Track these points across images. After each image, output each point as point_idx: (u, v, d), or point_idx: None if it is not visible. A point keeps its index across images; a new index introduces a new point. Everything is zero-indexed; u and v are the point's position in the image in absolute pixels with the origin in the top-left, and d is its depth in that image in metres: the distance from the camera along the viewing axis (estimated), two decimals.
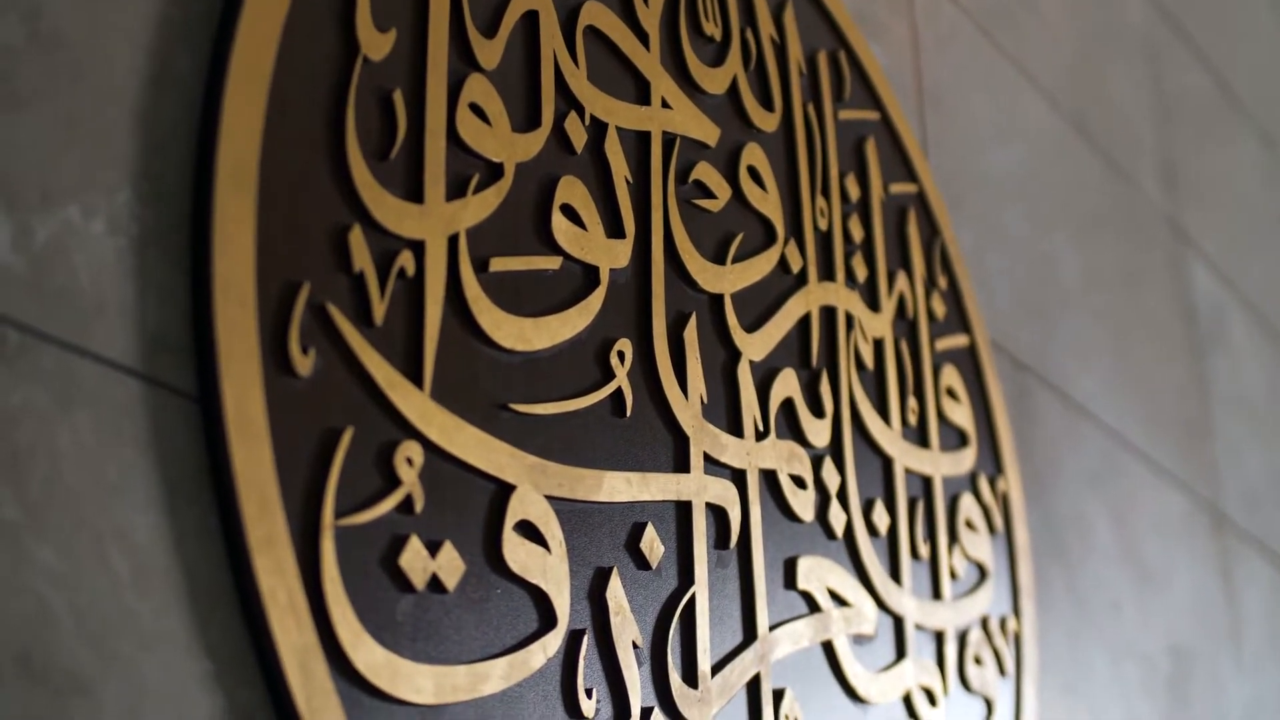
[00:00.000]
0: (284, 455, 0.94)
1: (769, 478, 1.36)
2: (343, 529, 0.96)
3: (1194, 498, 2.31)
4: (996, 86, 2.07)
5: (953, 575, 1.60)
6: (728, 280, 1.37)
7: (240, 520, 0.91)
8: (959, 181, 1.88)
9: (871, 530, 1.49)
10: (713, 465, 1.29)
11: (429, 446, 1.03)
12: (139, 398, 0.90)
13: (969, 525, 1.65)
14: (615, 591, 1.15)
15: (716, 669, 1.24)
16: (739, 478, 1.32)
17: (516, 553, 1.08)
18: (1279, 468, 2.67)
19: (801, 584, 1.36)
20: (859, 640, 1.43)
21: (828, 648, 1.38)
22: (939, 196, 1.76)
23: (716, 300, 1.35)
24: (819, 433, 1.44)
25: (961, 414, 1.69)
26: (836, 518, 1.43)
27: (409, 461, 1.01)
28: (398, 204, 1.05)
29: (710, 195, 1.38)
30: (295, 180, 1.00)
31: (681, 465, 1.26)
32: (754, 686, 1.27)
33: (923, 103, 1.84)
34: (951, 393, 1.68)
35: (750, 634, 1.29)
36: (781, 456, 1.37)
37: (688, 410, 1.27)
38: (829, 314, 1.50)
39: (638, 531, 1.19)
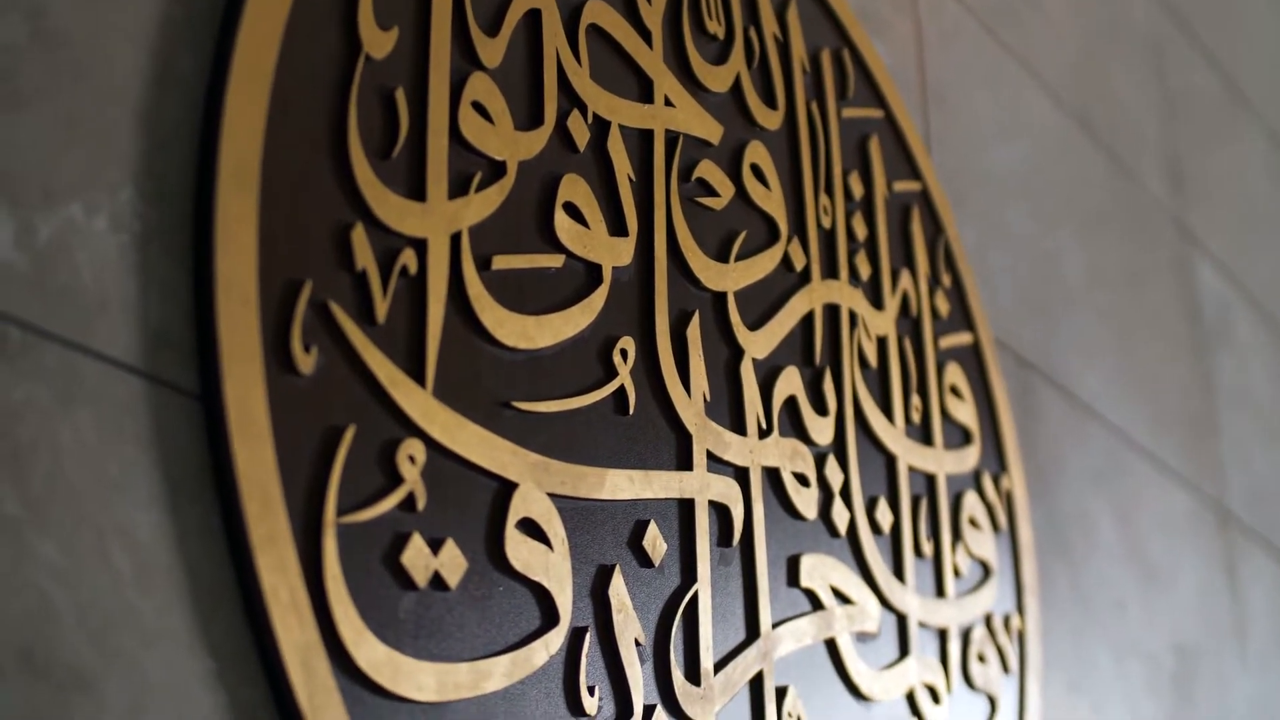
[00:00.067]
0: (286, 453, 0.94)
1: (772, 475, 1.36)
2: (345, 527, 0.96)
3: (1199, 495, 2.31)
4: (1000, 84, 2.07)
5: (956, 573, 1.60)
6: (731, 278, 1.37)
7: (242, 518, 0.91)
8: (963, 179, 1.88)
9: (875, 528, 1.49)
10: (716, 463, 1.29)
11: (431, 444, 1.03)
12: (141, 395, 0.90)
13: (972, 523, 1.65)
14: (618, 589, 1.15)
15: (719, 666, 1.24)
16: (742, 475, 1.32)
17: (519, 550, 1.08)
18: None
19: (804, 582, 1.36)
20: (862, 638, 1.43)
21: (831, 645, 1.39)
22: (942, 194, 1.76)
23: (719, 298, 1.35)
24: (822, 430, 1.44)
25: (965, 412, 1.69)
26: (840, 515, 1.43)
27: (411, 459, 1.01)
28: (400, 202, 1.06)
29: (713, 193, 1.38)
30: (297, 178, 1.00)
31: (684, 463, 1.26)
32: (757, 684, 1.28)
33: (926, 100, 1.84)
34: (955, 390, 1.68)
35: (753, 632, 1.29)
36: (784, 454, 1.38)
37: (690, 408, 1.27)
38: (832, 312, 1.51)
39: (640, 529, 1.19)
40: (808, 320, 1.47)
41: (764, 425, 1.36)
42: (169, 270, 0.93)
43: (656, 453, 1.24)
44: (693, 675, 1.20)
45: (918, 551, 1.54)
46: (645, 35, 1.34)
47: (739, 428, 1.33)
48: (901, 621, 1.49)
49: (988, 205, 1.94)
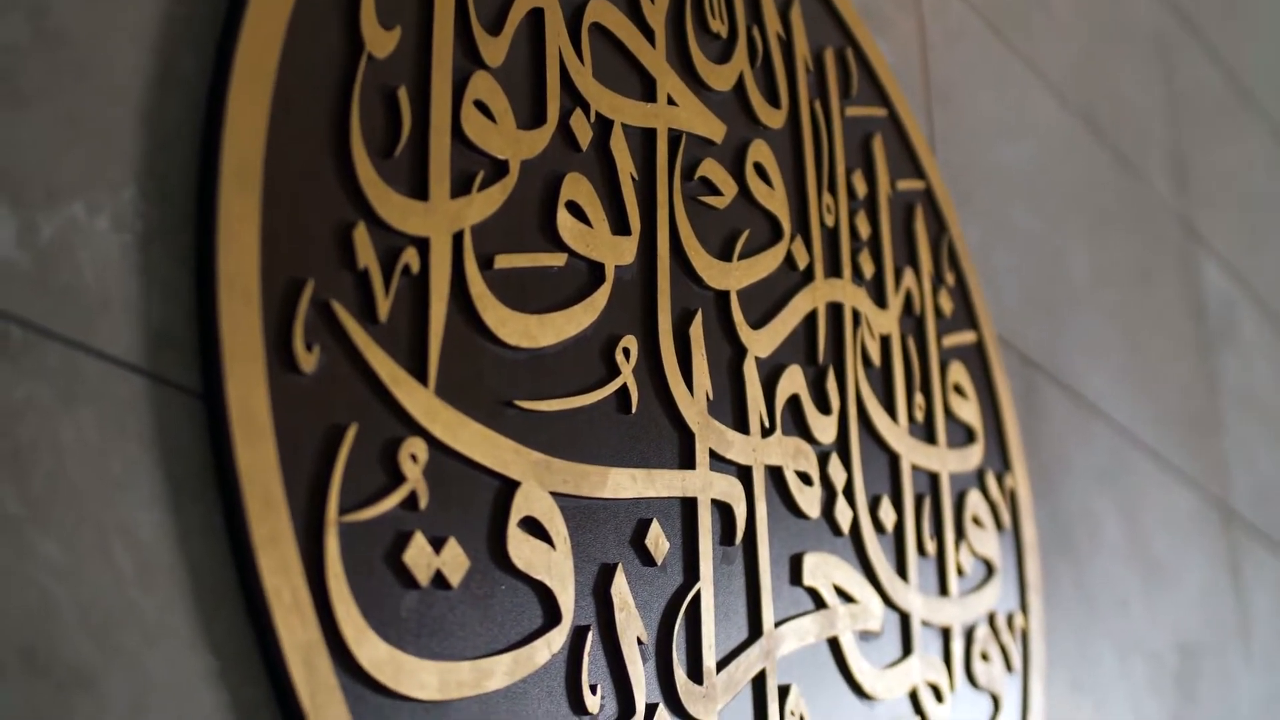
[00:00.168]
0: (288, 452, 0.94)
1: (775, 474, 1.36)
2: (347, 525, 0.96)
3: (1203, 494, 2.31)
4: (1005, 82, 2.07)
5: (959, 572, 1.60)
6: (733, 277, 1.37)
7: (244, 517, 0.91)
8: (967, 178, 1.88)
9: (878, 527, 1.49)
10: (718, 462, 1.29)
11: (433, 443, 1.03)
12: (143, 394, 0.90)
13: (976, 522, 1.65)
14: (620, 588, 1.15)
15: (722, 665, 1.24)
16: (745, 474, 1.32)
17: (521, 549, 1.08)
18: None
19: (807, 580, 1.37)
20: (865, 636, 1.43)
21: (833, 644, 1.39)
22: (946, 193, 1.76)
23: (722, 297, 1.35)
24: (825, 429, 1.44)
25: (969, 410, 1.69)
26: (843, 514, 1.43)
27: (413, 458, 1.01)
28: (402, 201, 1.06)
29: (716, 192, 1.38)
30: (300, 178, 1.00)
31: (687, 462, 1.26)
32: (759, 683, 1.28)
33: (930, 99, 1.84)
34: (959, 389, 1.68)
35: (756, 630, 1.29)
36: (787, 453, 1.38)
37: (693, 407, 1.27)
38: (835, 310, 1.51)
39: (643, 528, 1.20)
40: (811, 319, 1.47)
41: (767, 424, 1.36)
42: (171, 269, 0.93)
43: (659, 451, 1.24)
44: (695, 674, 1.21)
45: (921, 550, 1.54)
46: (648, 34, 1.34)
47: (742, 426, 1.33)
48: (904, 620, 1.49)
49: (992, 204, 1.94)
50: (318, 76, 1.03)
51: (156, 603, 0.88)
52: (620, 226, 1.25)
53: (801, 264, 1.47)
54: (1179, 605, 2.15)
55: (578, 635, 1.11)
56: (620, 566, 1.16)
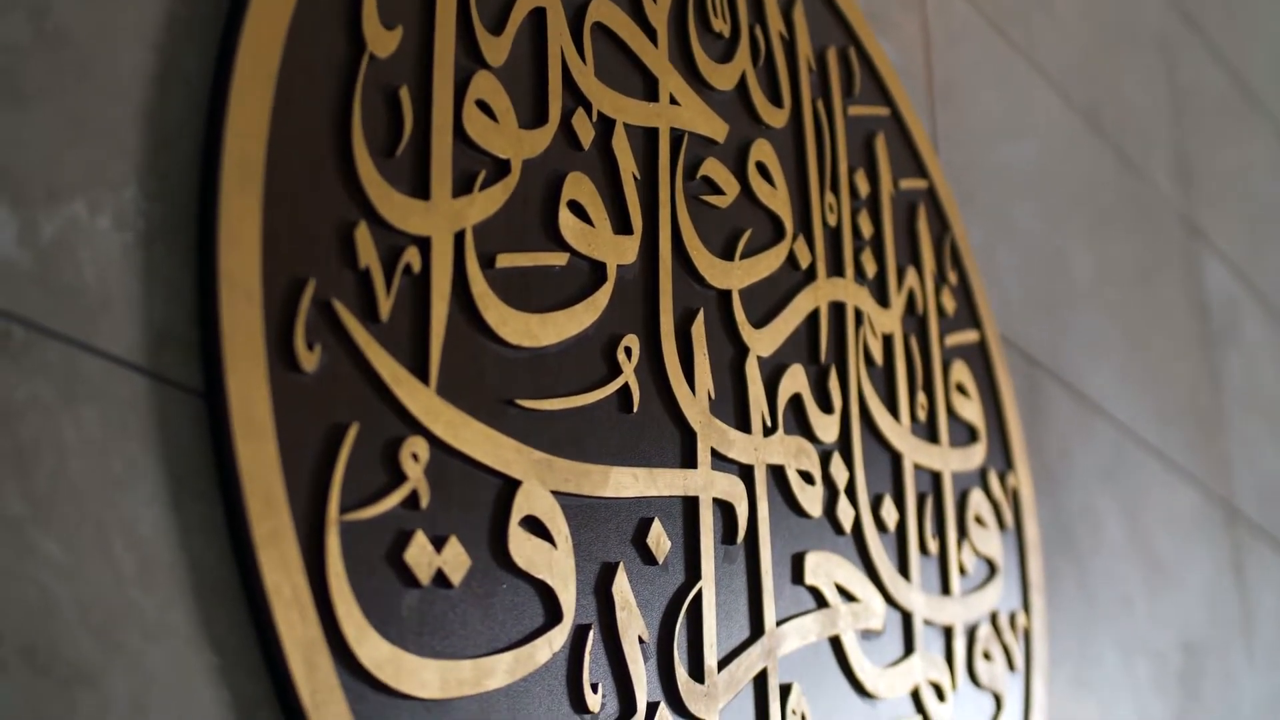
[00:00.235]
0: (289, 451, 0.94)
1: (777, 473, 1.36)
2: (348, 524, 0.96)
3: (1206, 493, 2.31)
4: (1008, 82, 2.07)
5: (962, 570, 1.60)
6: (735, 276, 1.37)
7: (245, 515, 0.91)
8: (970, 177, 1.88)
9: (880, 526, 1.49)
10: (720, 461, 1.29)
11: (435, 442, 1.04)
12: (144, 393, 0.91)
13: (978, 521, 1.65)
14: (621, 587, 1.16)
15: (723, 664, 1.24)
16: (746, 473, 1.32)
17: (522, 548, 1.08)
18: None
19: (809, 579, 1.37)
20: (867, 635, 1.43)
21: (835, 643, 1.39)
22: (949, 192, 1.77)
23: (724, 296, 1.35)
24: (827, 428, 1.44)
25: (971, 410, 1.69)
26: (845, 513, 1.43)
27: (414, 457, 1.02)
28: (404, 200, 1.06)
29: (718, 191, 1.38)
30: (301, 177, 1.00)
31: (689, 461, 1.26)
32: (761, 681, 1.28)
33: (933, 98, 1.84)
34: (961, 388, 1.68)
35: (757, 629, 1.29)
36: (789, 452, 1.38)
37: (695, 406, 1.27)
38: (838, 310, 1.51)
39: (644, 527, 1.20)
40: (813, 318, 1.47)
41: (769, 423, 1.36)
42: (172, 268, 0.94)
43: (661, 450, 1.24)
44: (696, 673, 1.21)
45: (923, 549, 1.54)
46: (650, 33, 1.34)
47: (744, 425, 1.33)
48: (906, 619, 1.49)
49: (996, 203, 1.94)
50: (319, 76, 1.03)
51: (157, 601, 0.88)
52: (622, 226, 1.25)
53: (804, 263, 1.47)
54: (1182, 604, 2.15)
55: (579, 634, 1.11)
56: (622, 565, 1.16)
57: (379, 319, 1.02)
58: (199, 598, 0.90)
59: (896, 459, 1.54)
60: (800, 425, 1.41)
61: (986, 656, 1.60)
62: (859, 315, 1.53)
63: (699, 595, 1.22)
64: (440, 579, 1.02)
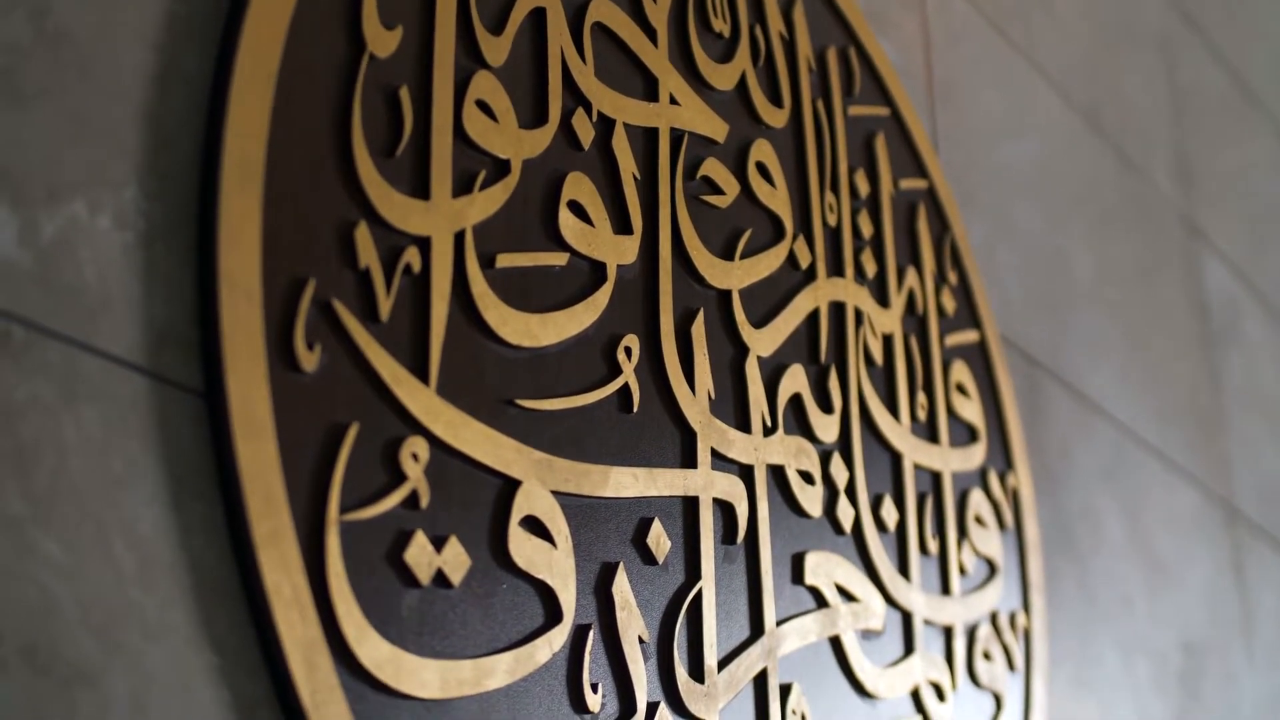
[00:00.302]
0: (289, 450, 0.94)
1: (777, 473, 1.36)
2: (348, 524, 0.96)
3: (1206, 493, 2.31)
4: (1008, 81, 2.07)
5: (962, 570, 1.60)
6: (735, 276, 1.37)
7: (245, 515, 0.91)
8: (971, 177, 1.89)
9: (880, 525, 1.49)
10: (720, 461, 1.29)
11: (435, 442, 1.04)
12: (144, 393, 0.91)
13: (978, 521, 1.65)
14: (621, 586, 1.16)
15: (723, 664, 1.24)
16: (746, 473, 1.32)
17: (522, 548, 1.08)
18: None
19: (809, 579, 1.37)
20: (867, 635, 1.43)
21: (835, 643, 1.39)
22: (949, 192, 1.77)
23: (724, 296, 1.35)
24: (827, 428, 1.44)
25: (971, 409, 1.69)
26: (845, 513, 1.43)
27: (414, 457, 1.02)
28: (404, 200, 1.06)
29: (718, 191, 1.38)
30: (301, 177, 1.00)
31: (689, 461, 1.26)
32: (761, 681, 1.28)
33: (934, 98, 1.84)
34: (961, 388, 1.68)
35: (757, 629, 1.29)
36: (789, 452, 1.38)
37: (695, 406, 1.27)
38: (838, 310, 1.51)
39: (644, 527, 1.20)
40: (813, 318, 1.47)
41: (769, 423, 1.36)
42: (172, 268, 0.94)
43: (661, 450, 1.24)
44: (696, 673, 1.21)
45: (923, 549, 1.54)
46: (650, 33, 1.34)
47: (744, 425, 1.33)
48: (906, 619, 1.49)
49: (996, 203, 1.94)
50: (319, 76, 1.03)
51: (157, 600, 0.88)
52: (622, 226, 1.25)
53: (804, 263, 1.47)
54: (1182, 604, 2.15)
55: (579, 634, 1.11)
56: (622, 565, 1.16)
57: (379, 319, 1.02)
58: (199, 597, 0.90)
59: (896, 459, 1.54)
60: (800, 425, 1.41)
61: (986, 656, 1.60)
62: (859, 315, 1.53)
63: (699, 595, 1.23)
64: (440, 579, 1.02)
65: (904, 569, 1.51)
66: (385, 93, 1.07)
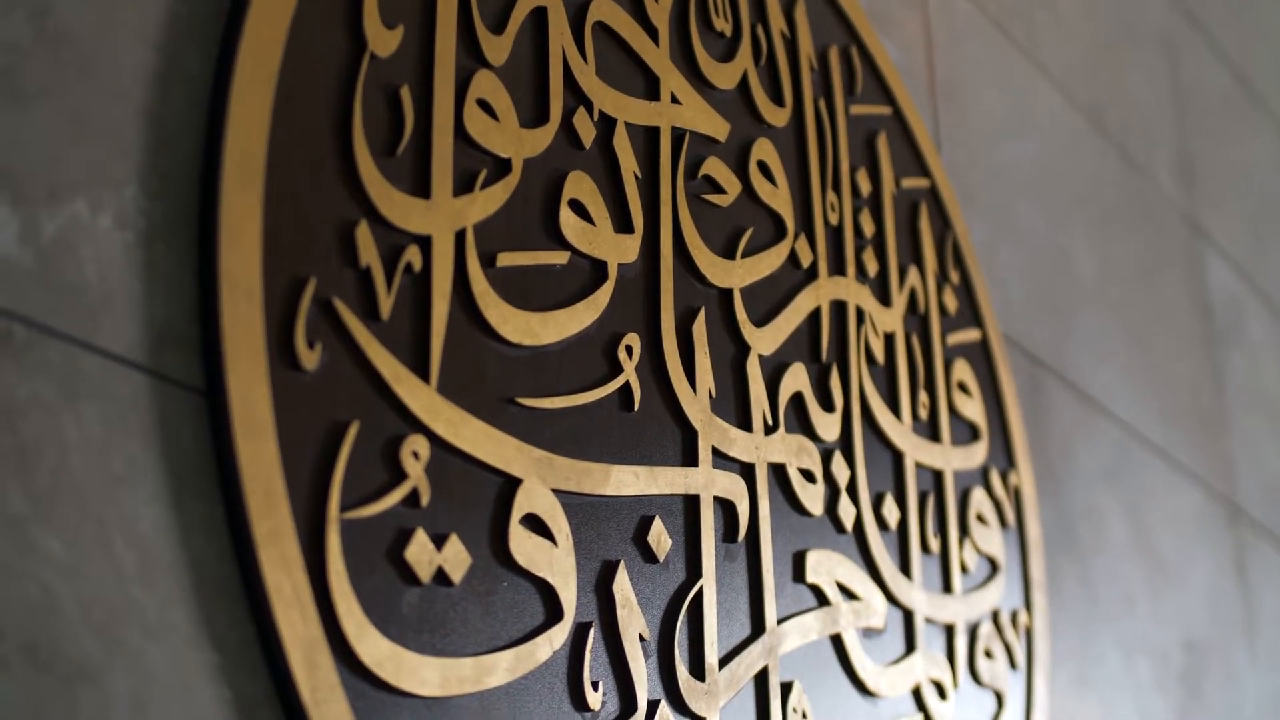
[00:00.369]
0: (290, 449, 0.94)
1: (778, 471, 1.36)
2: (348, 522, 0.97)
3: (1209, 492, 2.31)
4: (1010, 81, 2.07)
5: (963, 569, 1.60)
6: (737, 275, 1.37)
7: (246, 513, 0.91)
8: (973, 176, 1.89)
9: (881, 524, 1.49)
10: (721, 459, 1.29)
11: (435, 440, 1.04)
12: (145, 391, 0.91)
13: (980, 519, 1.65)
14: (622, 584, 1.16)
15: (724, 662, 1.24)
16: (748, 471, 1.32)
17: (523, 546, 1.08)
18: None
19: (810, 577, 1.37)
20: (868, 634, 1.43)
21: (836, 641, 1.39)
22: (951, 191, 1.77)
23: (726, 295, 1.35)
24: (829, 427, 1.44)
25: (973, 408, 1.69)
26: (846, 511, 1.43)
27: (415, 455, 1.02)
28: (404, 199, 1.06)
29: (720, 190, 1.38)
30: (302, 176, 1.00)
31: (690, 459, 1.26)
32: (762, 679, 1.28)
33: (936, 97, 1.84)
34: (963, 387, 1.69)
35: (758, 627, 1.29)
36: (791, 450, 1.38)
37: (696, 404, 1.28)
38: (839, 308, 1.51)
39: (645, 525, 1.20)
40: (814, 317, 1.47)
41: (770, 422, 1.36)
42: (173, 267, 0.94)
43: (661, 449, 1.24)
44: (697, 671, 1.21)
45: (925, 547, 1.55)
46: (652, 32, 1.35)
47: (745, 424, 1.33)
48: (908, 617, 1.49)
49: (998, 202, 1.95)
50: (320, 75, 1.04)
51: (158, 599, 0.88)
52: (623, 225, 1.26)
53: (805, 262, 1.47)
54: (1185, 603, 2.15)
55: (579, 632, 1.11)
56: (622, 563, 1.16)
57: (380, 318, 1.02)
58: (200, 596, 0.90)
59: (898, 457, 1.54)
60: (802, 424, 1.41)
61: (988, 655, 1.60)
62: (860, 314, 1.54)
63: (700, 593, 1.23)
64: (441, 577, 1.02)
65: (905, 567, 1.51)
66: (386, 92, 1.08)
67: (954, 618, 1.56)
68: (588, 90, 1.26)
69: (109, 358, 0.89)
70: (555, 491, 1.12)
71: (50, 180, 0.89)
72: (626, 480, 1.19)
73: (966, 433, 1.68)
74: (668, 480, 1.23)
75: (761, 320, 1.39)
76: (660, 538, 1.21)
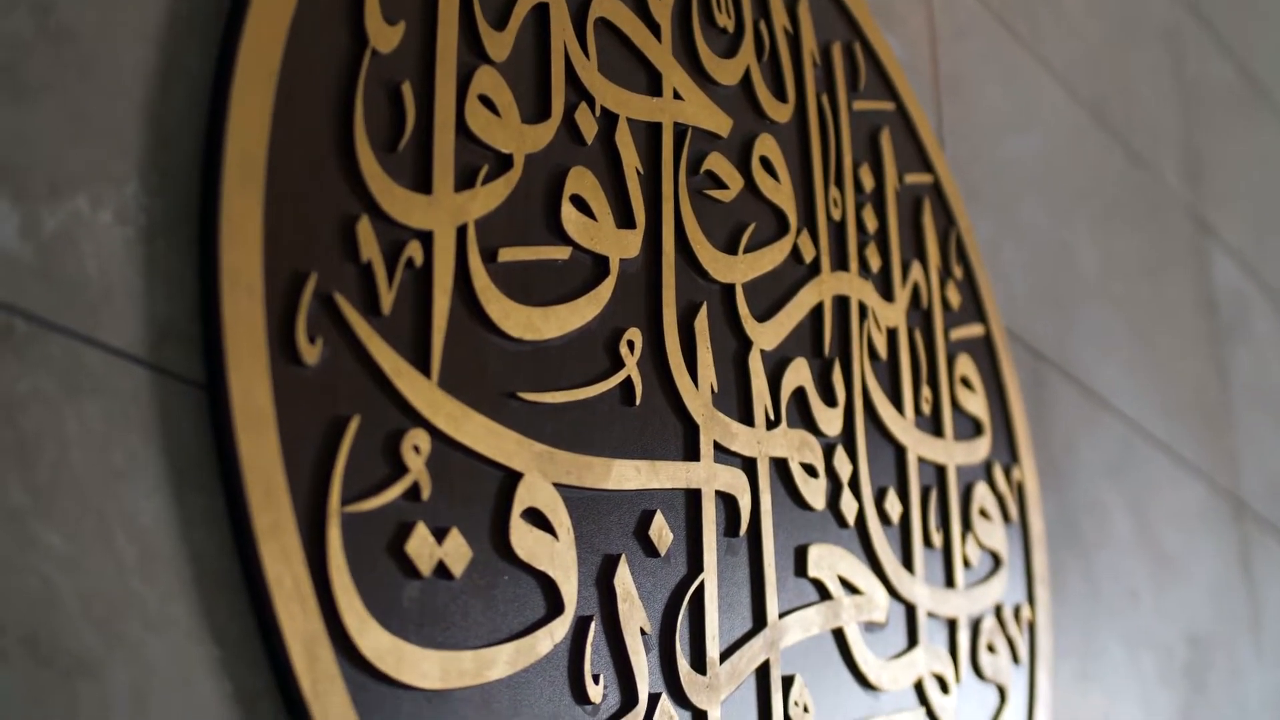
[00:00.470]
0: (291, 443, 0.95)
1: (780, 466, 1.36)
2: (349, 516, 0.97)
3: (1213, 487, 2.31)
4: (1014, 76, 2.07)
5: (966, 563, 1.60)
6: (739, 270, 1.37)
7: (246, 507, 0.92)
8: (976, 171, 1.89)
9: (884, 518, 1.49)
10: (723, 453, 1.30)
11: (436, 434, 1.04)
12: (146, 385, 0.91)
13: (983, 514, 1.65)
14: (623, 578, 1.16)
15: (725, 655, 1.24)
16: (749, 466, 1.32)
17: (524, 540, 1.08)
18: None
19: (812, 571, 1.37)
20: (870, 628, 1.44)
21: (838, 635, 1.39)
22: (954, 186, 1.77)
23: (728, 290, 1.36)
24: (831, 421, 1.44)
25: (976, 403, 1.69)
26: (848, 506, 1.44)
27: (416, 449, 1.02)
28: (406, 195, 1.06)
29: (722, 186, 1.39)
30: (303, 171, 1.01)
31: (691, 453, 1.26)
32: (763, 673, 1.28)
33: (939, 93, 1.85)
34: (966, 382, 1.69)
35: (760, 621, 1.29)
36: (793, 445, 1.38)
37: (698, 399, 1.28)
38: (842, 303, 1.51)
39: (646, 519, 1.20)
40: (817, 312, 1.47)
41: (772, 416, 1.36)
42: (174, 262, 0.94)
43: (663, 443, 1.24)
44: (698, 664, 1.21)
45: (927, 542, 1.55)
46: (654, 28, 1.35)
47: (746, 418, 1.33)
48: (910, 611, 1.50)
49: (1002, 197, 1.95)
50: (321, 71, 1.04)
51: (158, 592, 0.89)
52: (625, 220, 1.26)
53: (808, 257, 1.47)
54: (1188, 598, 2.15)
55: (580, 625, 1.12)
56: (623, 557, 1.17)
57: (381, 312, 1.03)
58: (200, 589, 0.91)
59: (901, 452, 1.55)
60: (804, 418, 1.41)
61: (991, 649, 1.60)
62: (863, 309, 1.54)
63: (701, 587, 1.23)
64: (441, 570, 1.02)
65: (908, 561, 1.51)
66: (388, 88, 1.08)
67: (956, 612, 1.56)
68: (590, 86, 1.26)
69: (110, 352, 0.90)
70: (556, 485, 1.12)
71: (51, 176, 0.90)
72: (628, 474, 1.19)
73: (969, 427, 1.68)
74: (669, 474, 1.24)
75: (764, 315, 1.39)
76: (661, 532, 1.21)
